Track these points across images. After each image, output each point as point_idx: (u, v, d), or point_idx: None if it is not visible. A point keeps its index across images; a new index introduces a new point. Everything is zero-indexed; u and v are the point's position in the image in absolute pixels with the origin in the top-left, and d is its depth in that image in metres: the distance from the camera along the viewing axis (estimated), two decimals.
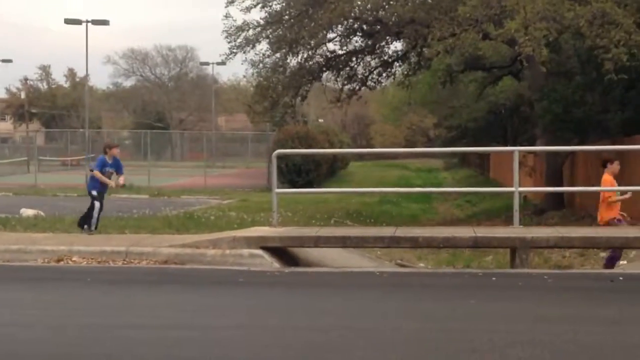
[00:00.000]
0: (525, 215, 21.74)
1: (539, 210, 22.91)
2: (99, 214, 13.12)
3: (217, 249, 10.77)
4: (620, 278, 9.48)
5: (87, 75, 43.89)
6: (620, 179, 18.60)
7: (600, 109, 18.35)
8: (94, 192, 13.14)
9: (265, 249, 10.76)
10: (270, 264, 10.50)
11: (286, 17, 21.76)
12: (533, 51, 13.77)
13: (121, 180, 13.61)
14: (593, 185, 20.39)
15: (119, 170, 13.42)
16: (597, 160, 21.17)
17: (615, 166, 12.50)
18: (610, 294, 8.48)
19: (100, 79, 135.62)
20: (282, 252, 11.14)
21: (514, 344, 6.05)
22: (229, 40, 22.50)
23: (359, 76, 25.44)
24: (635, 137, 17.76)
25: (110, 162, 13.26)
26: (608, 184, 12.29)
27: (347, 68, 24.88)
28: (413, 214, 24.72)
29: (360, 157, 64.48)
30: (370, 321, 7.00)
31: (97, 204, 12.99)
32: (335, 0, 19.00)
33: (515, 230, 11.16)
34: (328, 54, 23.98)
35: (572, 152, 21.61)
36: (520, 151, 14.28)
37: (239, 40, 22.34)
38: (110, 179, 13.31)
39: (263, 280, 9.41)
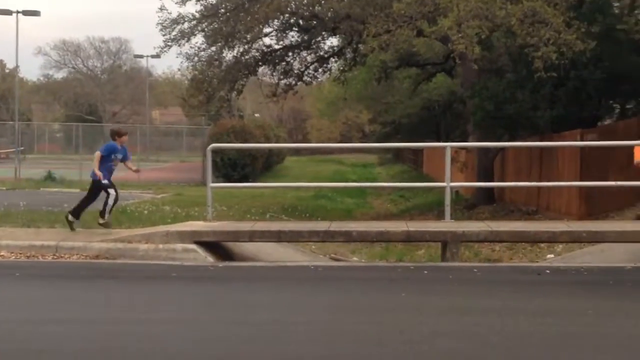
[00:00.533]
0: (457, 209, 22.10)
1: (470, 205, 23.32)
2: (114, 203, 11.99)
3: (150, 244, 10.69)
4: (547, 271, 9.73)
5: (17, 66, 42.81)
6: (550, 174, 19.08)
7: (530, 106, 18.73)
8: (105, 182, 11.87)
9: (199, 243, 10.72)
10: (204, 258, 10.47)
11: (222, 10, 21.63)
12: (465, 49, 14.00)
13: (133, 166, 12.68)
14: (522, 181, 20.88)
15: (125, 158, 12.38)
16: (527, 156, 21.72)
17: None
18: (536, 286, 8.70)
19: (31, 71, 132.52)
20: (216, 247, 11.12)
21: (443, 335, 6.18)
22: (163, 33, 22.26)
23: (295, 71, 25.48)
24: (564, 133, 18.21)
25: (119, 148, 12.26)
26: None
27: (283, 63, 24.88)
28: (348, 208, 24.90)
29: (297, 151, 64.57)
30: (304, 315, 7.06)
31: (112, 191, 11.88)
32: None
33: (447, 225, 11.35)
34: (264, 48, 23.94)
35: (503, 148, 22.05)
36: (452, 147, 14.53)
37: (173, 33, 22.12)
38: (116, 167, 12.31)
39: (196, 275, 9.38)
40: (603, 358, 5.69)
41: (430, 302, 7.66)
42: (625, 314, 7.07)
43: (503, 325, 6.56)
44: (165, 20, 22.10)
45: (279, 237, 11.13)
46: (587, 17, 16.55)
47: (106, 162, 11.99)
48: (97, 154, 12.01)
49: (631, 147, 16.27)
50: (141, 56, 60.78)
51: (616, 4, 15.54)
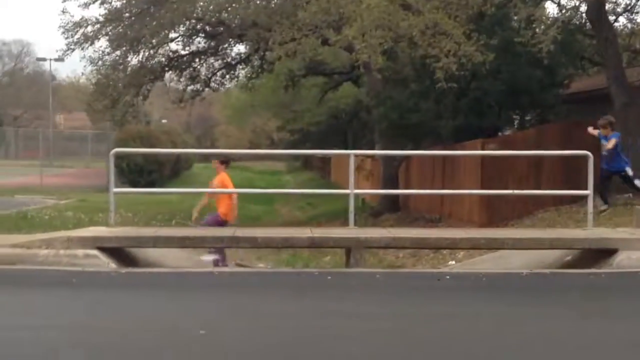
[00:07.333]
0: (363, 217, 22.39)
1: (376, 213, 23.67)
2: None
3: (51, 249, 10.42)
4: (447, 277, 9.96)
5: None
6: (453, 183, 19.55)
7: (434, 115, 19.16)
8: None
9: (101, 249, 10.52)
10: (106, 264, 10.28)
11: (127, 14, 21.35)
12: (369, 58, 14.23)
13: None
14: (426, 189, 21.33)
15: None
16: (430, 165, 22.20)
17: None
18: (435, 292, 8.89)
19: None
20: (120, 253, 10.94)
21: (340, 339, 6.28)
22: (66, 36, 21.81)
23: (202, 77, 25.40)
24: (465, 143, 18.70)
25: None
26: None
27: (190, 69, 24.77)
28: (255, 215, 24.89)
29: (205, 158, 64.02)
30: (202, 322, 7.00)
31: None
32: None
33: (351, 231, 11.48)
34: (170, 53, 23.79)
35: (407, 157, 22.47)
36: (356, 155, 14.69)
37: (76, 37, 21.70)
38: None
39: (97, 281, 9.22)
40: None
41: (333, 307, 7.73)
42: (516, 318, 7.32)
43: (401, 330, 6.71)
44: (68, 24, 21.66)
45: (183, 243, 11.03)
46: (487, 30, 17.07)
47: None
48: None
49: (529, 157, 16.86)
50: (44, 59, 59.28)
51: (515, 18, 16.05)
